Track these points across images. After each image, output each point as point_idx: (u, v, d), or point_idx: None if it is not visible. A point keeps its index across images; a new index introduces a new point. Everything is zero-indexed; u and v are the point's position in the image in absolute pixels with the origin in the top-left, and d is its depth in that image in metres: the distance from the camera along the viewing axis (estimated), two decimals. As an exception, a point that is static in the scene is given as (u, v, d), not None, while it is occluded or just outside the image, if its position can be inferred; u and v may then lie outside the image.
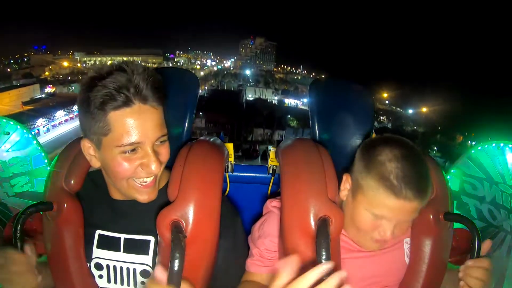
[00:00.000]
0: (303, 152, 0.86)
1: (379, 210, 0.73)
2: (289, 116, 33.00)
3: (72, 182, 0.81)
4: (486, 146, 1.49)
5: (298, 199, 0.77)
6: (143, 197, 0.74)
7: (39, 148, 1.54)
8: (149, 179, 0.73)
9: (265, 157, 26.27)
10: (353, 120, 1.12)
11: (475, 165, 1.53)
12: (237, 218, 0.87)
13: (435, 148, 30.36)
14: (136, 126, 0.67)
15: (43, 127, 27.57)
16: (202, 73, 71.14)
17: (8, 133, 1.50)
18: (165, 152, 0.74)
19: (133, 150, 0.68)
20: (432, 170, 0.91)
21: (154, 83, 0.68)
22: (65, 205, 0.79)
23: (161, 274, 0.58)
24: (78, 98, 0.70)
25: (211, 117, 30.18)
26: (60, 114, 30.14)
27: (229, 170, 1.18)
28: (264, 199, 0.96)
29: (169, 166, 0.79)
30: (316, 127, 1.13)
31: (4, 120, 1.51)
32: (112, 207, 0.80)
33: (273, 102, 44.79)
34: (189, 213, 0.69)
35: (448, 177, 1.60)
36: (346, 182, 0.82)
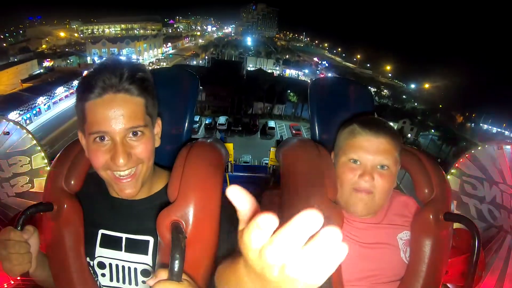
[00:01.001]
0: (303, 152, 0.86)
1: (353, 152, 0.84)
2: (289, 91, 32.71)
3: (72, 182, 0.81)
4: (486, 146, 1.49)
5: (298, 199, 0.77)
6: (123, 191, 0.73)
7: (39, 148, 1.54)
8: (123, 173, 0.71)
9: (264, 132, 26.48)
10: (353, 120, 1.12)
11: (475, 165, 1.53)
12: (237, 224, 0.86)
13: (432, 128, 30.17)
14: (104, 115, 0.68)
15: (44, 105, 27.51)
16: (201, 41, 69.73)
17: (8, 133, 1.50)
18: (141, 147, 0.72)
19: (101, 139, 0.69)
20: (432, 170, 0.91)
21: (133, 74, 0.69)
22: (65, 206, 0.79)
23: (162, 274, 0.58)
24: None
25: (212, 90, 29.94)
26: (60, 91, 29.93)
27: (229, 170, 1.19)
28: None
29: (169, 167, 0.79)
30: (316, 127, 1.13)
31: (4, 121, 1.51)
32: (112, 205, 0.80)
33: (274, 73, 43.96)
34: (189, 214, 0.69)
35: (448, 177, 1.60)
36: (332, 156, 0.92)
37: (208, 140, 0.87)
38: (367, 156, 0.83)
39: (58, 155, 0.88)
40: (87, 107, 0.69)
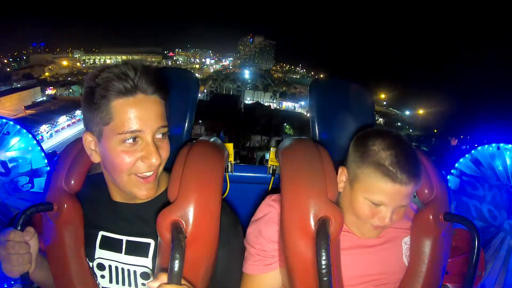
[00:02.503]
0: (303, 152, 0.86)
1: (377, 196, 0.77)
2: (285, 124, 33.92)
3: (72, 182, 0.81)
4: (486, 146, 1.49)
5: (298, 200, 0.77)
6: (142, 192, 0.73)
7: (39, 148, 1.54)
8: (149, 173, 0.72)
9: (261, 164, 26.61)
10: (353, 120, 1.12)
11: (475, 165, 1.53)
12: (238, 227, 0.86)
13: (427, 153, 30.37)
14: (138, 115, 0.67)
15: (47, 133, 28.07)
16: (201, 76, 70.90)
17: (8, 133, 1.50)
18: (165, 148, 0.73)
19: (134, 140, 0.68)
20: (432, 170, 0.91)
21: (157, 77, 0.71)
22: (65, 206, 0.79)
23: (162, 275, 0.58)
24: (83, 92, 0.71)
25: (210, 125, 30.71)
26: (62, 120, 30.54)
27: (229, 170, 1.18)
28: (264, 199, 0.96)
29: (169, 168, 0.79)
30: (316, 127, 1.13)
31: (4, 120, 1.51)
32: (114, 209, 0.80)
33: (271, 106, 45.38)
34: (189, 214, 0.69)
35: (448, 177, 1.60)
36: (342, 175, 0.85)
37: (208, 140, 0.87)
38: (393, 201, 0.77)
39: (58, 155, 0.88)
40: (115, 105, 0.67)
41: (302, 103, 50.20)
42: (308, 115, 1.22)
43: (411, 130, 38.73)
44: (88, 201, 0.82)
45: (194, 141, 0.86)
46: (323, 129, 1.13)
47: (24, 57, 61.38)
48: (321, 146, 0.88)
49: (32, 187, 1.55)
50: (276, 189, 0.91)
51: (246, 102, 44.64)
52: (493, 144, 1.47)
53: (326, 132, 1.13)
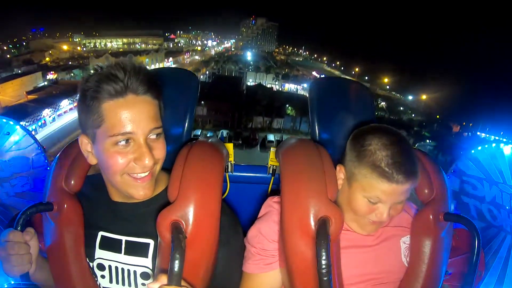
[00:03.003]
0: (303, 152, 0.86)
1: (374, 195, 0.78)
2: (287, 105, 33.76)
3: (72, 182, 0.81)
4: (486, 146, 1.49)
5: (298, 199, 0.77)
6: (139, 192, 0.73)
7: (39, 148, 1.54)
8: (143, 174, 0.71)
9: (263, 145, 27.11)
10: (353, 120, 1.12)
11: (475, 165, 1.53)
12: (238, 227, 0.86)
13: (428, 138, 30.35)
14: (129, 117, 0.67)
15: (49, 117, 28.14)
16: (198, 57, 70.28)
17: (8, 133, 1.50)
18: (160, 148, 0.73)
19: (126, 142, 0.68)
20: (432, 170, 0.91)
21: (148, 77, 0.69)
22: (65, 206, 0.79)
23: (162, 276, 0.58)
24: (78, 95, 0.71)
25: (213, 106, 30.92)
26: (64, 103, 30.62)
27: (229, 170, 1.18)
28: (264, 199, 0.96)
29: (168, 168, 0.79)
30: (316, 127, 1.13)
31: (4, 120, 1.51)
32: (113, 209, 0.80)
33: (273, 88, 44.82)
34: (189, 214, 0.69)
35: (448, 177, 1.60)
36: (340, 172, 0.86)
37: (208, 140, 0.87)
38: (390, 198, 0.78)
39: (58, 155, 0.88)
40: (105, 107, 0.67)
41: (305, 85, 50.01)
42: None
43: (413, 115, 38.38)
44: (88, 201, 0.82)
45: (194, 141, 0.86)
46: (323, 129, 1.13)
47: (24, 43, 61.01)
48: (321, 146, 0.88)
49: (32, 187, 1.55)
50: (277, 191, 0.91)
51: (248, 84, 44.48)
52: (493, 144, 1.47)
53: (326, 132, 1.13)
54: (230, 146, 1.08)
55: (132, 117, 0.67)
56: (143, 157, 0.69)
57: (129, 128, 0.67)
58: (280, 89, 48.14)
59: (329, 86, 1.26)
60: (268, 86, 43.89)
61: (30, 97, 30.86)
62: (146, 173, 0.72)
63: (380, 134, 0.78)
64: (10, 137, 1.51)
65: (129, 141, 0.68)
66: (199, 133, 27.24)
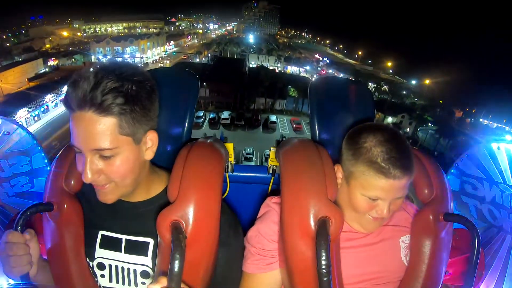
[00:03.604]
0: (303, 152, 0.86)
1: (373, 192, 0.79)
2: (289, 86, 33.71)
3: (72, 182, 0.81)
4: (486, 145, 1.49)
5: (298, 200, 0.77)
6: (101, 198, 0.72)
7: (39, 148, 1.54)
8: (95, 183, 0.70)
9: (266, 126, 27.35)
10: (353, 120, 1.12)
11: (475, 165, 1.53)
12: (238, 227, 0.86)
13: (431, 122, 30.24)
14: (74, 132, 0.65)
15: (52, 102, 28.07)
16: (204, 41, 70.09)
17: (8, 133, 1.50)
18: (111, 170, 0.68)
19: (80, 153, 0.68)
20: (432, 170, 0.91)
21: (105, 90, 0.62)
22: (65, 206, 0.79)
23: (162, 278, 0.58)
24: None
25: (215, 87, 30.86)
26: (66, 89, 30.61)
27: (229, 170, 1.18)
28: (264, 199, 0.96)
29: (168, 168, 0.79)
30: (316, 127, 1.13)
31: (4, 120, 1.51)
32: (113, 208, 0.80)
33: (276, 70, 44.38)
34: (189, 214, 0.69)
35: (448, 177, 1.60)
36: (338, 172, 0.86)
37: (208, 140, 0.87)
38: (388, 195, 0.78)
39: (58, 155, 0.88)
40: (70, 118, 0.67)
41: (307, 67, 49.87)
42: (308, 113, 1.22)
43: (416, 99, 38.08)
44: (88, 201, 0.82)
45: (194, 141, 0.86)
46: (323, 129, 1.13)
47: (23, 31, 60.70)
48: (321, 146, 0.88)
49: (32, 187, 1.55)
50: (276, 191, 0.91)
51: (251, 66, 44.17)
52: (494, 144, 1.47)
53: (326, 132, 1.13)
54: (230, 146, 1.08)
55: (76, 133, 0.65)
56: (84, 173, 0.67)
57: (75, 142, 0.66)
58: (283, 71, 47.68)
59: (329, 86, 1.26)
60: (271, 68, 43.43)
61: (32, 83, 30.71)
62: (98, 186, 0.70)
63: (375, 131, 0.79)
64: (10, 137, 1.50)
65: (81, 153, 0.67)
66: (201, 114, 27.40)
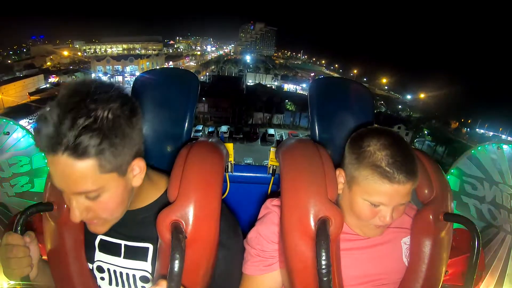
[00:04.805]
0: (303, 152, 0.86)
1: (376, 197, 0.77)
2: (287, 100, 34.47)
3: None
4: (486, 146, 1.49)
5: (298, 200, 0.77)
6: (91, 229, 0.70)
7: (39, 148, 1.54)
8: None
9: (264, 139, 27.93)
10: (353, 120, 1.12)
11: (475, 165, 1.53)
12: (237, 229, 0.86)
13: (426, 132, 30.58)
14: (52, 174, 0.60)
15: None
16: (202, 61, 71.31)
17: (8, 133, 1.50)
18: (99, 208, 0.64)
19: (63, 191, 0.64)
20: (432, 170, 0.91)
21: (77, 130, 0.54)
22: (65, 206, 0.79)
23: (161, 281, 0.58)
24: None
25: (213, 102, 31.54)
26: None
27: (229, 170, 1.18)
28: (264, 199, 0.96)
29: (168, 171, 0.79)
30: (316, 127, 1.13)
31: (4, 120, 1.51)
32: None
33: (273, 87, 45.47)
34: (189, 214, 0.69)
35: (448, 177, 1.60)
36: (340, 176, 0.84)
37: (208, 140, 0.87)
38: (392, 200, 0.77)
39: None
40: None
41: (304, 85, 50.18)
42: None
43: (411, 113, 38.70)
44: None
45: (194, 141, 0.86)
46: (323, 129, 1.13)
47: (25, 50, 61.46)
48: (321, 146, 0.88)
49: (32, 187, 1.55)
50: (276, 192, 0.91)
51: (248, 84, 44.86)
52: (494, 144, 1.47)
53: (326, 132, 1.13)
54: (230, 146, 1.08)
55: (55, 176, 0.60)
56: (71, 212, 0.63)
57: (57, 185, 0.61)
58: (280, 89, 48.64)
59: (329, 86, 1.26)
60: (268, 86, 44.40)
61: (33, 98, 31.01)
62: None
63: (378, 135, 0.77)
64: (10, 137, 1.50)
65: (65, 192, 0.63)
66: (200, 128, 28.04)
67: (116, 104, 0.59)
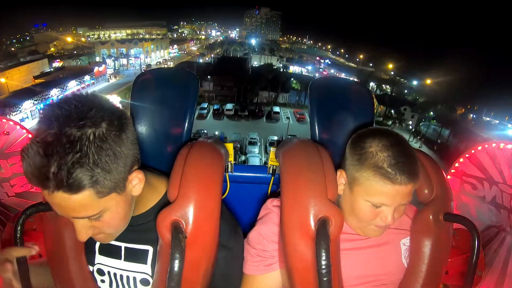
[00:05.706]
0: (303, 152, 0.86)
1: (378, 198, 0.77)
2: (292, 79, 34.23)
3: None
4: (486, 146, 1.49)
5: (298, 200, 0.77)
6: (94, 238, 0.70)
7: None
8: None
9: (269, 117, 28.08)
10: (353, 120, 1.12)
11: (475, 165, 1.53)
12: (238, 229, 0.86)
13: (433, 118, 30.44)
14: (51, 204, 0.59)
15: (57, 96, 28.02)
16: (207, 43, 71.27)
17: (8, 133, 1.50)
18: (104, 225, 0.65)
19: None
20: (432, 170, 0.91)
21: (66, 170, 0.52)
22: None
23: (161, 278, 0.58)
24: None
25: (219, 81, 31.37)
26: (72, 84, 30.77)
27: (229, 170, 1.18)
28: (264, 199, 0.96)
29: (167, 172, 0.78)
30: (316, 127, 1.13)
31: (4, 120, 1.51)
32: None
33: (278, 68, 44.53)
34: (189, 213, 0.69)
35: (448, 177, 1.60)
36: (341, 177, 0.84)
37: (208, 140, 0.87)
38: (393, 201, 0.77)
39: None
40: None
41: (309, 67, 50.11)
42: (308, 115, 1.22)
43: (417, 98, 38.22)
44: None
45: (194, 141, 0.86)
46: (323, 129, 1.13)
47: (28, 38, 61.34)
48: (321, 146, 0.88)
49: (32, 187, 1.55)
50: (277, 193, 0.91)
51: (254, 65, 44.43)
52: (494, 144, 1.47)
53: (326, 132, 1.13)
54: (230, 146, 1.08)
55: (54, 206, 0.59)
56: (77, 235, 0.64)
57: (58, 212, 0.60)
58: (285, 70, 48.16)
59: (329, 86, 1.26)
60: (274, 66, 43.86)
61: (37, 81, 30.75)
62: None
63: (380, 136, 0.77)
64: (10, 137, 1.51)
65: None
66: (205, 106, 28.04)
67: (101, 127, 0.56)
